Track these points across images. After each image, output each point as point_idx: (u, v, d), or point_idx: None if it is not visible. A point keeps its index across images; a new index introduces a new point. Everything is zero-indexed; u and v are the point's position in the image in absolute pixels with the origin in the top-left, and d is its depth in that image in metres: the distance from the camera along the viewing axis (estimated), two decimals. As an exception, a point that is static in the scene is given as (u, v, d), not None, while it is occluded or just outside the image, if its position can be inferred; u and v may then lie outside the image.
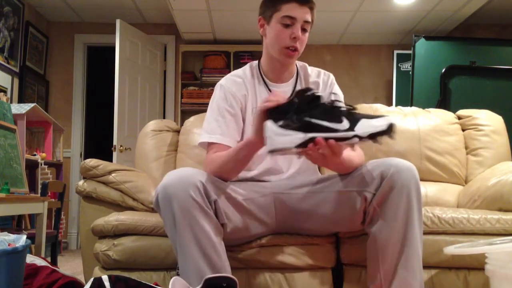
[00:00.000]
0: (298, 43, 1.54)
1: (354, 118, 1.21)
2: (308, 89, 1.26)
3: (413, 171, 1.37)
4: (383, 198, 1.36)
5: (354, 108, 1.24)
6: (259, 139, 1.31)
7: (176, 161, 2.23)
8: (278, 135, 1.22)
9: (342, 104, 1.26)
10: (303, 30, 1.55)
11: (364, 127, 1.20)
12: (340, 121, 1.21)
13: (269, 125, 1.23)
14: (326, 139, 1.20)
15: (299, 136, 1.21)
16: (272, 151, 1.23)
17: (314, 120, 1.21)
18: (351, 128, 1.20)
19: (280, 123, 1.22)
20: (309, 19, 1.55)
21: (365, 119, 1.21)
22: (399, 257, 1.34)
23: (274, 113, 1.24)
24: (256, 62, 1.71)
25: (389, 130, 1.21)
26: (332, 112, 1.22)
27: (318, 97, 1.23)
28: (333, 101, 1.24)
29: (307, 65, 1.72)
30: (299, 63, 1.71)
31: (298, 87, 1.66)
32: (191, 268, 1.31)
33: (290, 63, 1.61)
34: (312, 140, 1.20)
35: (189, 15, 4.44)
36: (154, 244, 1.61)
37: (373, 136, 1.20)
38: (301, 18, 1.52)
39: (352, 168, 1.46)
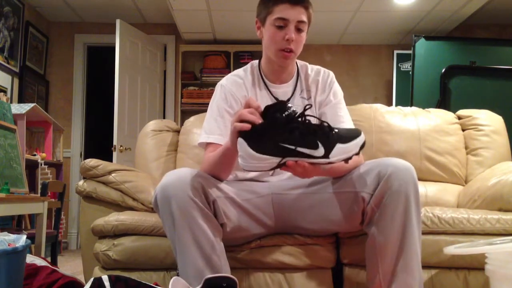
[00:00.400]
0: (293, 44, 1.53)
1: (329, 142, 1.20)
2: (280, 107, 1.20)
3: (411, 171, 1.36)
4: (381, 198, 1.36)
5: (329, 127, 1.22)
6: (235, 148, 1.29)
7: (176, 161, 2.23)
8: (253, 158, 1.18)
9: (315, 121, 1.24)
10: (298, 30, 1.53)
11: (338, 153, 1.20)
12: (316, 147, 1.19)
13: (243, 145, 1.19)
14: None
15: (274, 161, 1.19)
16: (247, 170, 1.22)
17: (290, 146, 1.19)
18: (326, 155, 1.19)
19: (255, 146, 1.18)
20: (303, 19, 1.52)
21: (340, 144, 1.20)
22: (398, 258, 1.34)
23: (248, 134, 1.20)
24: (257, 61, 1.70)
25: (360, 150, 1.22)
26: (307, 136, 1.19)
27: (293, 118, 1.19)
28: (308, 123, 1.21)
29: (307, 64, 1.72)
30: (299, 63, 1.70)
31: (298, 88, 1.65)
32: (191, 268, 1.31)
33: (287, 64, 1.60)
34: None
35: (189, 15, 4.44)
36: (154, 244, 1.61)
37: (346, 159, 1.21)
38: (294, 19, 1.51)
39: (343, 172, 1.46)
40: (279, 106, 1.21)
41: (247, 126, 1.20)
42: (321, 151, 1.19)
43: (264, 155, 1.18)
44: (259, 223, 1.54)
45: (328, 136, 1.20)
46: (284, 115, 1.18)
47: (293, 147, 1.18)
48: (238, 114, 1.23)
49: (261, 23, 1.60)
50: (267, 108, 1.21)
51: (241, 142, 1.20)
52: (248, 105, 1.25)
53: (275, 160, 1.19)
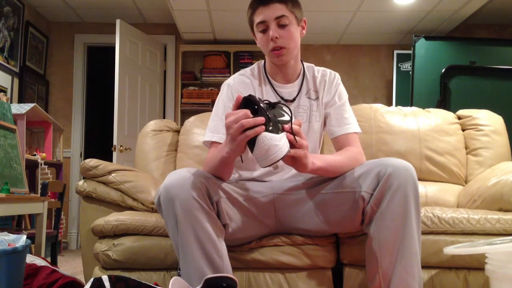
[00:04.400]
0: (280, 41, 1.53)
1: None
2: (250, 99, 1.25)
3: (410, 171, 1.36)
4: (381, 198, 1.36)
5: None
6: (237, 154, 1.31)
7: (176, 161, 2.23)
8: (276, 140, 1.21)
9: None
10: (281, 26, 1.52)
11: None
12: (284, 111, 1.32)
13: (264, 141, 1.21)
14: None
15: (286, 138, 1.25)
16: (281, 158, 1.23)
17: (285, 117, 1.28)
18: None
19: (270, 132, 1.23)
20: (282, 13, 1.51)
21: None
22: (397, 258, 1.34)
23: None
24: (262, 62, 1.71)
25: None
26: (277, 107, 1.30)
27: (261, 100, 1.26)
28: (265, 100, 1.30)
29: (314, 65, 1.72)
30: (306, 64, 1.71)
31: (304, 88, 1.66)
32: (193, 269, 1.31)
33: (284, 61, 1.60)
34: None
35: (189, 15, 4.44)
36: (154, 244, 1.61)
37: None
38: (271, 18, 1.51)
39: (341, 173, 1.47)
40: (251, 98, 1.26)
41: (260, 129, 1.20)
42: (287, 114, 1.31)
43: (281, 133, 1.24)
44: (261, 223, 1.54)
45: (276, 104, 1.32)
46: (258, 100, 1.25)
47: (288, 114, 1.28)
48: (240, 125, 1.20)
49: (253, 33, 1.63)
50: (248, 101, 1.25)
51: (266, 135, 1.21)
52: (236, 105, 1.25)
53: (283, 134, 1.25)
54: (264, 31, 1.54)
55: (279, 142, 1.22)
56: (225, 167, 1.41)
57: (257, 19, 1.54)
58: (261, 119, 1.21)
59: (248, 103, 1.25)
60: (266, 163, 1.23)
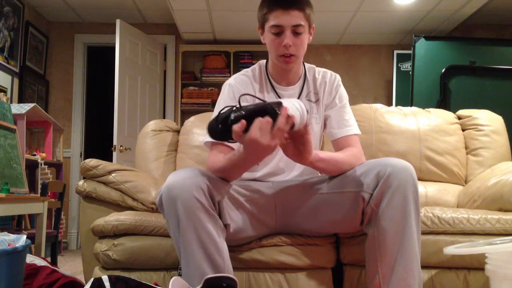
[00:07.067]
0: (292, 49, 1.51)
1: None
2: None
3: (410, 171, 1.36)
4: (380, 198, 1.36)
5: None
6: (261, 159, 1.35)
7: (176, 161, 2.23)
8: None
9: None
10: (296, 33, 1.51)
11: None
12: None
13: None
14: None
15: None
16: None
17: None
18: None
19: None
20: (299, 22, 1.50)
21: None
22: (397, 258, 1.34)
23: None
24: (264, 62, 1.70)
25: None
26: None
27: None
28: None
29: (315, 66, 1.71)
30: (307, 65, 1.70)
31: (305, 90, 1.65)
32: (194, 269, 1.30)
33: (290, 67, 1.60)
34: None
35: (189, 15, 4.44)
36: (154, 244, 1.61)
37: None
38: (288, 24, 1.49)
39: (341, 170, 1.48)
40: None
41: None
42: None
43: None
44: (261, 223, 1.54)
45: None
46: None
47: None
48: (281, 132, 1.22)
49: (261, 30, 1.60)
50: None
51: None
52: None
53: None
54: (277, 34, 1.51)
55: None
56: (242, 172, 1.44)
57: (274, 21, 1.50)
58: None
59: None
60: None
